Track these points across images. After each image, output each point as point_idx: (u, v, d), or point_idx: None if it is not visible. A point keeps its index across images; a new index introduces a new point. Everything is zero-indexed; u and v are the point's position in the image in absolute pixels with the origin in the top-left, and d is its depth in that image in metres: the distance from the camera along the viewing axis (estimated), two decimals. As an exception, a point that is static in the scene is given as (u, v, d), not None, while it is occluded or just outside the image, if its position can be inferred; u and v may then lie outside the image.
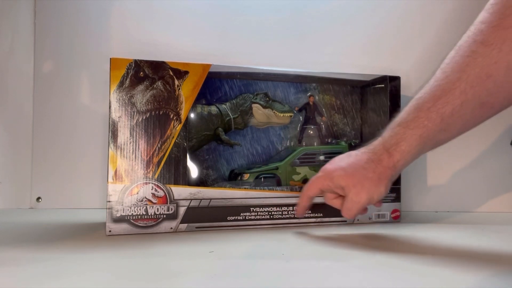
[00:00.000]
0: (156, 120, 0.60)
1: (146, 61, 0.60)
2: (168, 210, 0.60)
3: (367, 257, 0.48)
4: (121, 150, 0.59)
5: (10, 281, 0.39)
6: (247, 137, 0.75)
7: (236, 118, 0.72)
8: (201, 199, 0.62)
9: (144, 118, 0.60)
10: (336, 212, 0.65)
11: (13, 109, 0.83)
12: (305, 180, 0.72)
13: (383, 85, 0.74)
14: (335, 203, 0.58)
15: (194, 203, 0.61)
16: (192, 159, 0.66)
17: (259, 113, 0.73)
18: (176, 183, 0.61)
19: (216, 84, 0.73)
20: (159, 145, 0.60)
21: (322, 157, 0.73)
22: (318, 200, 0.67)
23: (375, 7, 0.88)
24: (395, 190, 0.71)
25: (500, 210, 0.84)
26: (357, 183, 0.54)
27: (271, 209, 0.65)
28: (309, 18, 0.88)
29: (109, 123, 0.59)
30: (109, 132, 0.58)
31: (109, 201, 0.58)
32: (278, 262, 0.45)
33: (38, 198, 0.84)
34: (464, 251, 0.52)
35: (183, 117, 0.61)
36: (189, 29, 0.86)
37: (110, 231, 0.58)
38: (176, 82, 0.61)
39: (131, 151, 0.59)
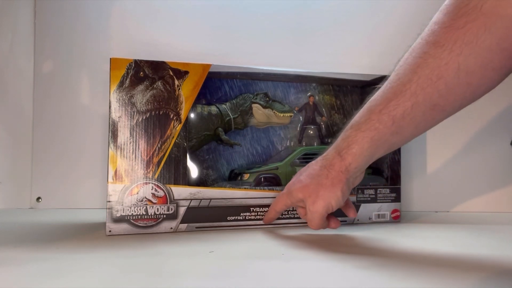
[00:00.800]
0: (156, 120, 0.60)
1: (146, 61, 0.60)
2: (168, 210, 0.60)
3: (367, 257, 0.48)
4: (121, 150, 0.59)
5: (10, 281, 0.39)
6: (247, 137, 0.75)
7: (236, 118, 0.72)
8: (201, 199, 0.62)
9: (144, 118, 0.60)
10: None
11: (13, 109, 0.83)
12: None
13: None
14: (304, 218, 0.57)
15: (194, 203, 0.61)
16: (192, 159, 0.66)
17: (259, 113, 0.73)
18: (176, 183, 0.61)
19: (216, 84, 0.73)
20: (159, 145, 0.60)
21: (322, 157, 0.73)
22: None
23: (375, 7, 0.88)
24: (395, 190, 0.71)
25: (500, 210, 0.84)
26: (312, 192, 0.53)
27: (271, 209, 0.65)
28: (309, 18, 0.88)
29: (109, 123, 0.59)
30: (109, 132, 0.58)
31: (109, 201, 0.58)
32: (278, 262, 0.45)
33: (38, 198, 0.84)
34: (464, 251, 0.52)
35: (183, 117, 0.61)
36: (189, 29, 0.86)
37: (110, 231, 0.58)
38: (176, 82, 0.61)
39: (131, 151, 0.59)
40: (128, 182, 0.59)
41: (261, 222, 0.64)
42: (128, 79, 0.59)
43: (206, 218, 0.62)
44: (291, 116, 0.74)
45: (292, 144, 0.77)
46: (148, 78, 0.60)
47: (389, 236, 0.61)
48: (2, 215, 0.75)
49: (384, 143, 0.51)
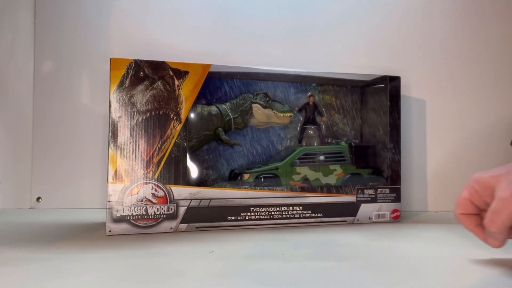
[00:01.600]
0: (156, 120, 0.60)
1: (146, 61, 0.60)
2: (168, 210, 0.60)
3: (367, 257, 0.48)
4: (121, 150, 0.59)
5: (10, 281, 0.39)
6: (247, 137, 0.75)
7: (236, 118, 0.72)
8: (201, 199, 0.62)
9: (144, 118, 0.60)
10: (336, 212, 0.66)
11: (13, 109, 0.83)
12: (305, 180, 0.72)
13: (383, 85, 0.74)
14: (476, 230, 0.44)
15: (194, 203, 0.61)
16: (192, 159, 0.66)
17: (259, 113, 0.73)
18: (176, 183, 0.61)
19: (216, 84, 0.73)
20: (159, 145, 0.60)
21: (322, 157, 0.73)
22: (318, 200, 0.67)
23: (376, 7, 0.88)
24: (395, 190, 0.71)
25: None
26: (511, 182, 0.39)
27: (271, 209, 0.65)
28: (309, 18, 0.88)
29: (109, 123, 0.59)
30: (109, 132, 0.58)
31: (109, 201, 0.58)
32: (278, 262, 0.45)
33: (38, 198, 0.84)
34: (464, 251, 0.52)
35: (183, 117, 0.61)
36: (189, 29, 0.86)
37: (110, 231, 0.58)
38: (176, 82, 0.61)
39: (131, 151, 0.59)
40: (128, 182, 0.59)
41: (261, 222, 0.64)
42: (128, 79, 0.59)
43: (206, 218, 0.62)
44: (291, 116, 0.74)
45: (292, 144, 0.77)
46: (148, 78, 0.60)
47: (389, 236, 0.61)
48: (2, 215, 0.75)
49: None
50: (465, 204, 0.43)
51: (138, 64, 0.60)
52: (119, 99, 0.59)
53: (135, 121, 0.59)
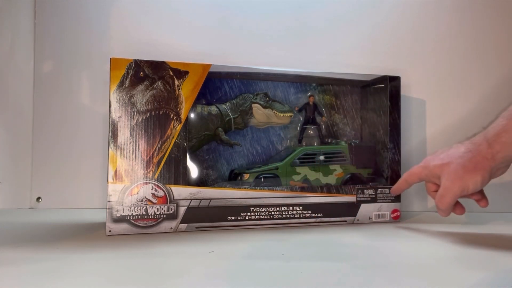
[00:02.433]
0: (156, 120, 0.60)
1: (146, 61, 0.60)
2: (168, 210, 0.60)
3: (367, 257, 0.48)
4: (121, 150, 0.59)
5: (10, 281, 0.39)
6: (247, 137, 0.75)
7: (236, 118, 0.72)
8: (201, 199, 0.62)
9: (144, 118, 0.60)
10: (336, 212, 0.66)
11: (13, 109, 0.83)
12: (305, 180, 0.72)
13: (383, 85, 0.74)
14: (433, 195, 0.60)
15: (194, 203, 0.61)
16: (192, 159, 0.66)
17: (259, 113, 0.73)
18: (176, 183, 0.61)
19: (216, 84, 0.73)
20: (159, 145, 0.60)
21: (322, 157, 0.73)
22: (318, 200, 0.67)
23: (375, 7, 0.88)
24: (395, 190, 0.71)
25: (500, 210, 0.84)
26: (452, 172, 0.54)
27: (271, 209, 0.65)
28: (309, 18, 0.88)
29: (109, 123, 0.59)
30: (109, 132, 0.58)
31: (109, 201, 0.58)
32: (278, 262, 0.45)
33: (38, 198, 0.84)
34: (464, 251, 0.52)
35: (183, 117, 0.61)
36: (189, 29, 0.86)
37: (110, 231, 0.58)
38: (176, 82, 0.61)
39: (131, 151, 0.59)
40: (128, 182, 0.59)
41: (261, 222, 0.64)
42: (128, 79, 0.59)
43: (206, 218, 0.62)
44: (291, 116, 0.74)
45: (292, 144, 0.77)
46: (148, 78, 0.60)
47: (389, 236, 0.61)
48: (2, 215, 0.75)
49: None
50: (416, 176, 0.61)
51: (138, 64, 0.60)
52: (119, 99, 0.59)
53: (135, 121, 0.59)
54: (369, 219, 0.70)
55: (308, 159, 0.73)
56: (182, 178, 0.61)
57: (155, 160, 0.60)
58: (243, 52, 0.86)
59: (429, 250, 0.52)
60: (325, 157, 0.73)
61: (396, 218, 0.71)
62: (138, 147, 0.59)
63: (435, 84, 0.88)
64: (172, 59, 0.63)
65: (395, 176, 0.72)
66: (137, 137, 0.59)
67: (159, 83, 0.61)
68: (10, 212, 0.78)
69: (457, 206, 0.59)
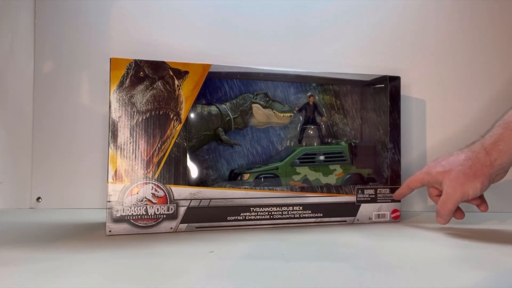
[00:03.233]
0: (156, 120, 0.60)
1: (146, 61, 0.60)
2: (168, 210, 0.60)
3: (367, 257, 0.48)
4: (121, 150, 0.59)
5: (10, 281, 0.39)
6: (247, 137, 0.75)
7: (236, 118, 0.72)
8: (201, 199, 0.62)
9: (144, 118, 0.60)
10: (336, 212, 0.66)
11: (13, 109, 0.83)
12: (305, 180, 0.72)
13: (383, 85, 0.74)
14: (435, 200, 0.63)
15: (194, 203, 0.61)
16: (192, 159, 0.66)
17: (259, 113, 0.73)
18: (176, 183, 0.61)
19: (216, 84, 0.73)
20: (159, 145, 0.60)
21: (322, 157, 0.73)
22: (318, 200, 0.67)
23: (375, 7, 0.88)
24: (395, 190, 0.71)
25: (500, 210, 0.84)
26: (454, 178, 0.57)
27: (271, 209, 0.65)
28: (309, 18, 0.88)
29: (109, 123, 0.59)
30: (109, 132, 0.58)
31: (109, 201, 0.58)
32: (278, 262, 0.45)
33: (38, 198, 0.84)
34: (464, 251, 0.52)
35: (183, 117, 0.61)
36: (189, 29, 0.86)
37: (110, 231, 0.58)
38: (176, 82, 0.61)
39: (131, 151, 0.59)
40: (128, 182, 0.59)
41: (261, 222, 0.64)
42: (128, 79, 0.59)
43: (206, 218, 0.62)
44: (291, 116, 0.74)
45: (292, 144, 0.77)
46: (148, 78, 0.60)
47: (389, 236, 0.61)
48: (2, 215, 0.75)
49: None
50: (418, 182, 0.64)
51: (138, 64, 0.60)
52: (119, 99, 0.59)
53: (135, 121, 0.59)
54: (369, 219, 0.70)
55: (308, 159, 0.73)
56: (182, 178, 0.61)
57: (155, 160, 0.60)
58: (243, 52, 0.86)
59: (429, 250, 0.52)
60: (325, 157, 0.73)
61: (396, 218, 0.71)
62: (138, 147, 0.59)
63: (435, 84, 0.88)
64: (172, 59, 0.63)
65: (395, 176, 0.72)
66: (137, 137, 0.59)
67: (159, 83, 0.61)
68: (10, 212, 0.78)
69: (457, 211, 0.62)
